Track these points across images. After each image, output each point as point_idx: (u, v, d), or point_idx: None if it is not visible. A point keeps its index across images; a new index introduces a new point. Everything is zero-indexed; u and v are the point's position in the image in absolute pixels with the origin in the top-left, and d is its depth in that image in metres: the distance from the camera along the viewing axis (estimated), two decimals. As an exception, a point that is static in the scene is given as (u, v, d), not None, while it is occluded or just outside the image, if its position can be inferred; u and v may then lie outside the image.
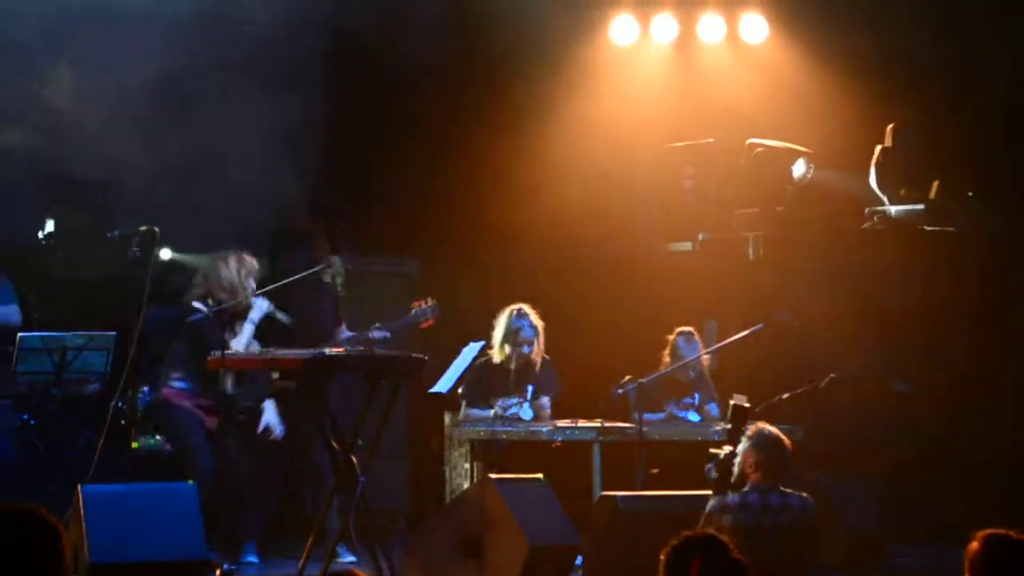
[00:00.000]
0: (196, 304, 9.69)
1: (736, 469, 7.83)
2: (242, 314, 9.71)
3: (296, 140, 9.82)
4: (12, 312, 9.88)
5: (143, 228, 9.50)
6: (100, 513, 8.33)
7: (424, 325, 10.46)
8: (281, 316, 9.74)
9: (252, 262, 9.80)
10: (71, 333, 9.54)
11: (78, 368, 9.48)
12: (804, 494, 7.83)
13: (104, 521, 8.32)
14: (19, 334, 9.52)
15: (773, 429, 7.98)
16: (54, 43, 9.55)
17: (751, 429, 7.94)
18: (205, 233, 10.19)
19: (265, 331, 9.97)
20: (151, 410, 10.18)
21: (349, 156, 11.80)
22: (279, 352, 9.66)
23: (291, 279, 9.88)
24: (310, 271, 10.09)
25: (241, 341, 9.68)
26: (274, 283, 9.91)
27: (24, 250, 10.17)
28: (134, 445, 9.54)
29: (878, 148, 11.70)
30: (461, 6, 11.03)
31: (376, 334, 10.23)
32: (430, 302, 10.46)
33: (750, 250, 11.83)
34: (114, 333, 9.52)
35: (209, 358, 9.25)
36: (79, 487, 8.37)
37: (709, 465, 8.06)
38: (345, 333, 10.37)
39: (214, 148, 9.59)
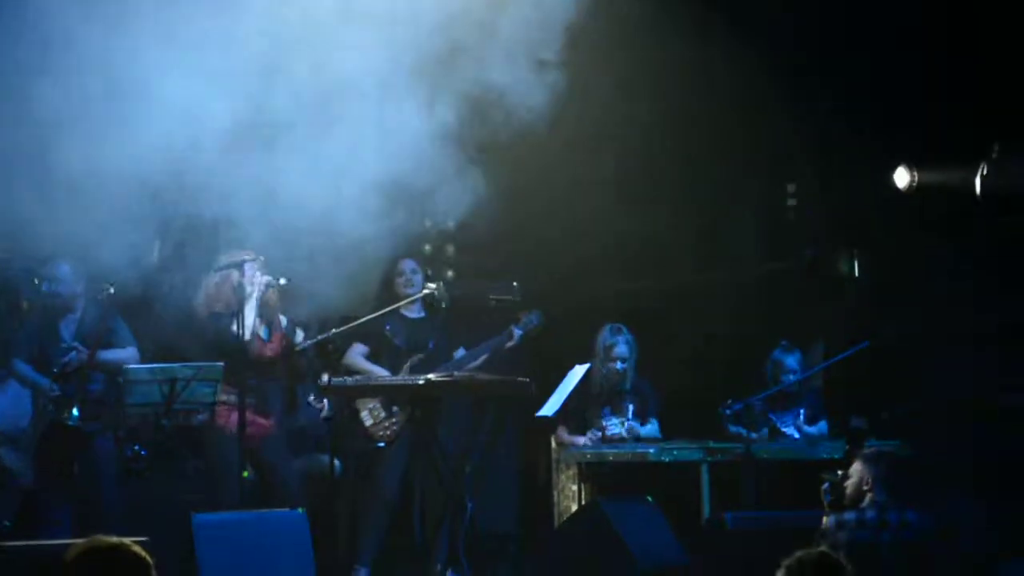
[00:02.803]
0: (216, 311, 9.74)
1: (851, 488, 7.79)
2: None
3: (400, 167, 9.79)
4: (131, 354, 9.98)
5: (248, 257, 9.57)
6: (212, 541, 8.38)
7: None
8: (277, 281, 9.65)
9: (239, 255, 9.67)
10: (180, 364, 9.58)
11: (187, 399, 9.50)
12: (921, 511, 7.77)
13: (216, 549, 8.37)
14: (127, 366, 9.59)
15: (887, 447, 7.95)
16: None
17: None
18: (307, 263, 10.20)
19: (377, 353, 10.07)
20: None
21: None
22: (387, 379, 9.71)
23: (383, 312, 9.94)
24: (401, 303, 10.15)
25: (248, 320, 9.60)
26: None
27: (133, 279, 10.23)
28: (244, 474, 9.57)
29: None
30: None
31: (517, 330, 10.27)
32: (533, 312, 10.47)
33: (856, 266, 11.75)
34: (221, 364, 9.55)
35: (321, 385, 9.31)
36: (191, 516, 8.43)
37: (825, 485, 8.01)
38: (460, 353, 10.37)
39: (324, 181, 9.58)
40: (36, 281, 10.47)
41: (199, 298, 9.77)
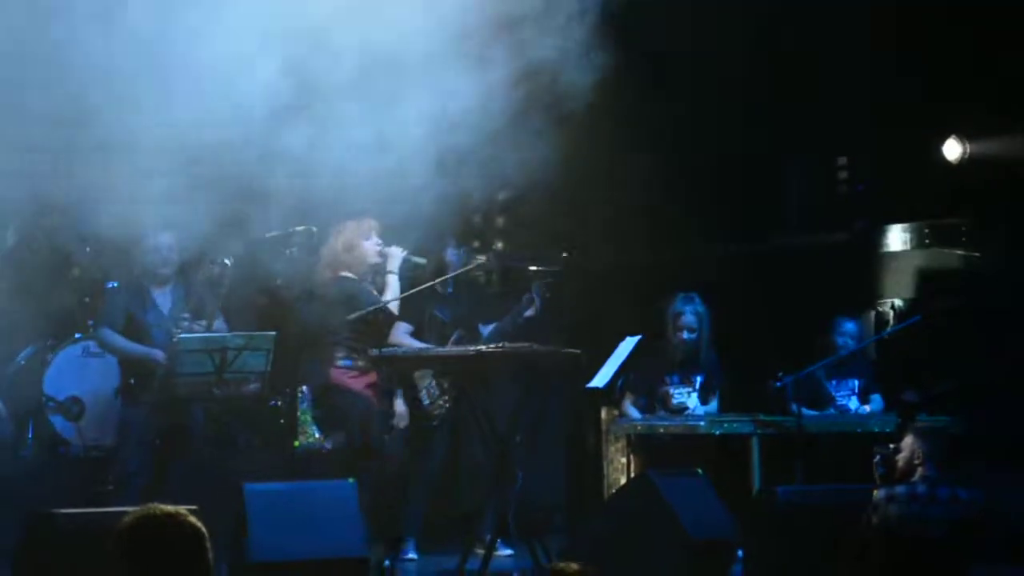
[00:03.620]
0: (343, 274, 9.80)
1: (902, 462, 7.76)
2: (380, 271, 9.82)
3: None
4: (222, 325, 9.99)
5: (300, 227, 9.57)
6: (263, 511, 8.41)
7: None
8: (417, 259, 9.78)
9: (366, 223, 9.88)
10: (231, 334, 9.58)
11: (238, 368, 9.51)
12: (972, 487, 7.73)
13: (266, 519, 8.40)
14: (179, 335, 9.58)
15: (939, 422, 7.91)
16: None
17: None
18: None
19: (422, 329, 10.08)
20: (317, 399, 10.25)
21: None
22: (437, 350, 9.72)
23: (423, 287, 9.95)
24: (450, 274, 10.15)
25: (389, 294, 9.80)
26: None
27: (187, 251, 10.26)
28: (295, 444, 9.59)
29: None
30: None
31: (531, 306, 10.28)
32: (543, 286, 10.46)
33: (906, 239, 11.69)
34: (273, 333, 9.55)
35: (371, 355, 9.33)
36: (243, 485, 8.46)
37: (876, 459, 7.97)
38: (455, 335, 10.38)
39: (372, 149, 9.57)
40: (88, 249, 10.52)
41: (319, 260, 9.85)
